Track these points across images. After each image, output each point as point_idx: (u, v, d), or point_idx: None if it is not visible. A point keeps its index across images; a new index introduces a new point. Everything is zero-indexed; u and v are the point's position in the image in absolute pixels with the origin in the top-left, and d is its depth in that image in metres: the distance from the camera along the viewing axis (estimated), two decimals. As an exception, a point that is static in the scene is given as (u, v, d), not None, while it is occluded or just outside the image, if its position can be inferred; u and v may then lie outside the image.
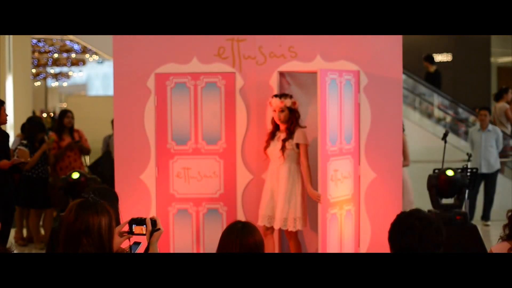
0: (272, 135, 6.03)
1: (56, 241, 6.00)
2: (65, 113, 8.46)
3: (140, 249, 3.31)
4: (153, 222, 3.24)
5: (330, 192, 5.90)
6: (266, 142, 6.03)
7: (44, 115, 20.10)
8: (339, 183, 6.01)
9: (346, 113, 6.09)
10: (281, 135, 5.97)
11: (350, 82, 6.14)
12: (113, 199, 3.65)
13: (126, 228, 3.28)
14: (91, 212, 2.84)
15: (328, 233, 5.86)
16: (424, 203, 7.45)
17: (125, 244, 3.30)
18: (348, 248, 6.12)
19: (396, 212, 3.11)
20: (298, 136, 5.91)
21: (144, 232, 3.22)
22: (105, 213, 2.88)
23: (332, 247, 5.91)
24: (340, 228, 6.04)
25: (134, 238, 3.33)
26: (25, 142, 7.89)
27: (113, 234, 2.93)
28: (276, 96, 5.96)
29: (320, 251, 5.78)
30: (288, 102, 5.89)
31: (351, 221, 6.17)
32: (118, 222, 3.35)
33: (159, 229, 3.24)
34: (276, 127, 6.03)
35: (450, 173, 6.47)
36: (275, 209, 5.90)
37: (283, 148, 5.90)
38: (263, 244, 3.05)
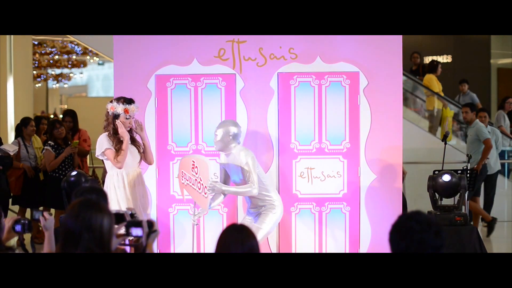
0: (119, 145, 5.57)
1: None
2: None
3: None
4: (150, 224, 3.25)
5: (298, 188, 6.17)
6: (119, 151, 5.52)
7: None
8: (318, 181, 6.16)
9: (333, 115, 6.18)
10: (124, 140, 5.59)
11: (341, 84, 6.17)
12: (102, 198, 3.65)
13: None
14: (94, 210, 2.86)
15: (295, 226, 6.16)
16: (424, 204, 7.45)
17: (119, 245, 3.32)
18: (334, 246, 6.19)
19: (396, 212, 3.13)
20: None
21: (140, 234, 3.24)
22: (107, 213, 2.90)
23: (304, 242, 6.15)
24: (319, 225, 6.17)
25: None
26: (52, 143, 7.90)
27: (112, 234, 2.95)
28: (131, 101, 5.64)
29: (280, 242, 6.08)
30: None
31: (344, 221, 6.21)
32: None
33: (155, 230, 3.25)
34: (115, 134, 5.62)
35: (447, 178, 6.41)
36: None
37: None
38: (259, 245, 3.07)
